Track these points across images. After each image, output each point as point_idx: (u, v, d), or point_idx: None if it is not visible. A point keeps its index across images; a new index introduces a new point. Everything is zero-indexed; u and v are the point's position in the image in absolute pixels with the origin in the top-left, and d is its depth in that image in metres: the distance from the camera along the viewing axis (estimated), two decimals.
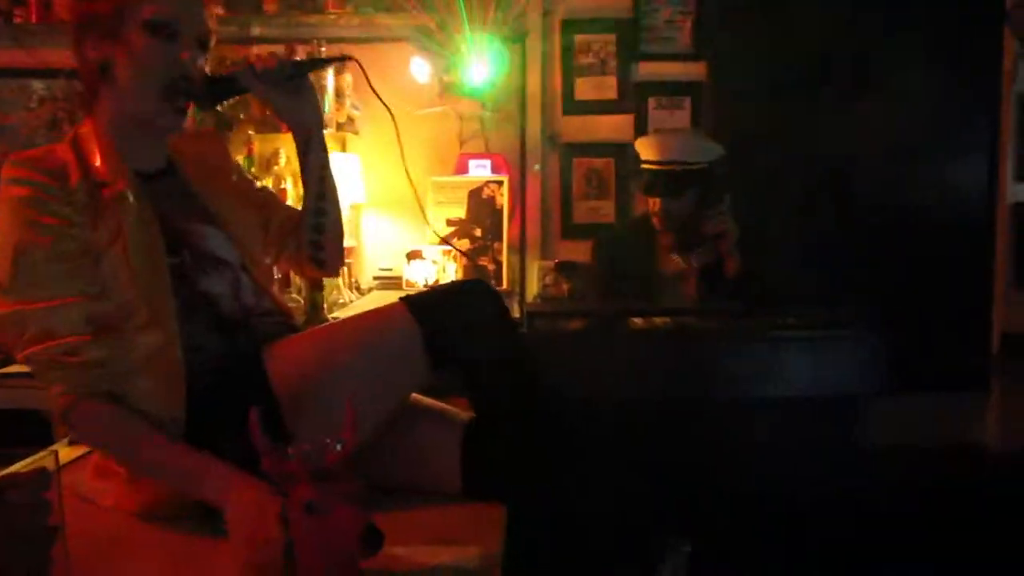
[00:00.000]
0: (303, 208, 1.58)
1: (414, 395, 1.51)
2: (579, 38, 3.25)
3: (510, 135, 3.28)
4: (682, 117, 3.25)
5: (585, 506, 1.43)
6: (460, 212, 3.18)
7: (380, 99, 1.52)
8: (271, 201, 1.66)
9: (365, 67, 1.54)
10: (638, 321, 2.14)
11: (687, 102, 3.25)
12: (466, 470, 1.41)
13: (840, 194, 3.33)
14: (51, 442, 1.95)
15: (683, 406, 2.03)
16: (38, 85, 3.23)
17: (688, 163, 2.45)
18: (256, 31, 3.23)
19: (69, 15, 1.42)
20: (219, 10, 3.12)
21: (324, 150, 1.53)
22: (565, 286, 3.15)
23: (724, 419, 2.05)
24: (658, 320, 2.13)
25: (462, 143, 3.28)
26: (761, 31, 3.23)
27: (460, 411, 1.50)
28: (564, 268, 3.18)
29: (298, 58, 1.41)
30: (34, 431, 2.57)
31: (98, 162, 1.36)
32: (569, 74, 3.27)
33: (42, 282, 1.27)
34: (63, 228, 1.29)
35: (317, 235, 1.57)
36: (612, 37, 3.24)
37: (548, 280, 3.22)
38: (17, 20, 3.17)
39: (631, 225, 2.91)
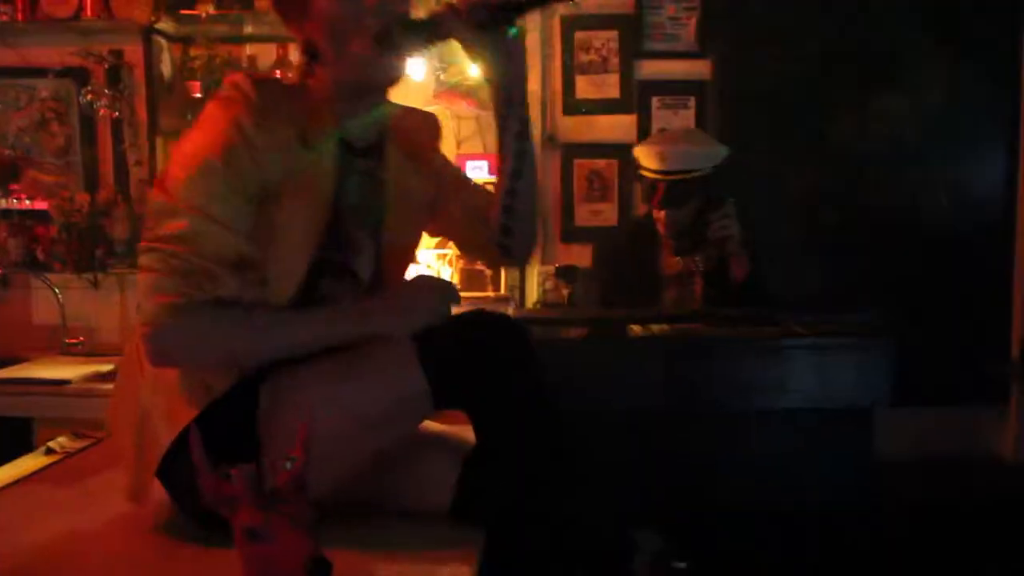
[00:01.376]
0: (496, 185, 1.42)
1: None
2: (579, 35, 3.15)
3: None
4: (687, 116, 3.14)
5: (576, 528, 1.34)
6: None
7: None
8: (464, 185, 1.54)
9: None
10: (636, 328, 2.02)
11: (692, 101, 3.14)
12: (458, 498, 1.32)
13: (851, 194, 3.21)
14: (30, 448, 1.86)
15: (683, 418, 1.92)
16: (26, 84, 3.16)
17: (691, 171, 2.35)
18: (248, 29, 3.15)
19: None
20: (210, 8, 3.05)
21: (524, 116, 1.36)
22: (565, 291, 3.05)
23: (726, 431, 1.94)
24: (656, 328, 2.02)
25: (459, 143, 3.19)
26: (768, 27, 3.12)
27: (462, 436, 1.39)
28: (564, 273, 3.08)
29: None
30: (14, 437, 2.51)
31: (310, 120, 1.27)
32: (569, 72, 3.17)
33: (214, 197, 1.19)
34: (255, 156, 1.21)
35: (507, 218, 1.40)
36: (614, 34, 3.14)
37: (548, 286, 3.12)
38: (3, 19, 3.11)
39: (632, 227, 2.80)
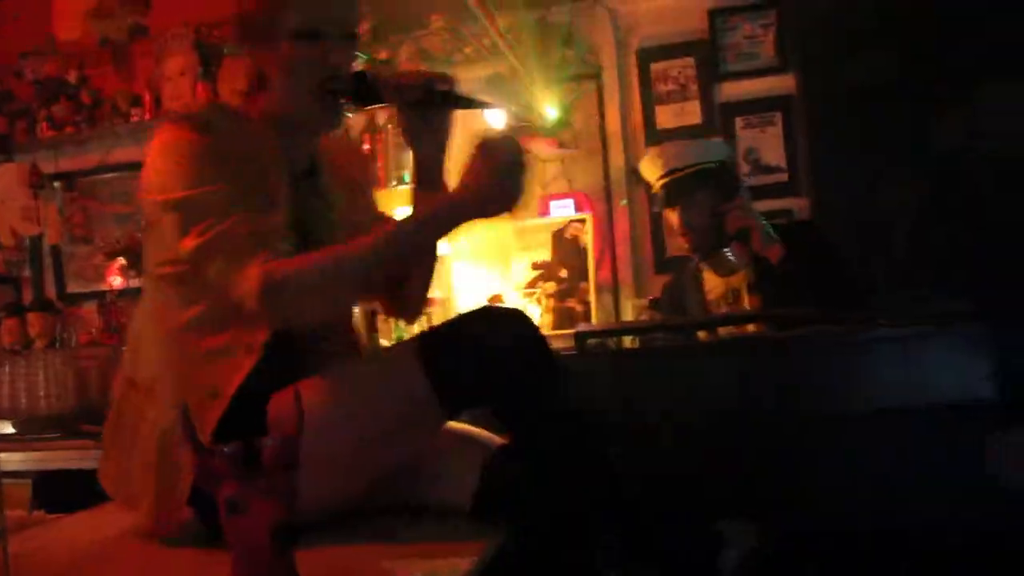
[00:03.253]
0: None
1: None
2: (656, 66, 3.14)
3: (594, 173, 3.20)
4: (774, 133, 3.04)
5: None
6: (545, 255, 3.09)
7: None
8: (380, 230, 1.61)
9: None
10: (702, 335, 1.94)
11: (778, 117, 3.04)
12: (479, 496, 1.30)
13: (964, 199, 2.96)
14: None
15: (756, 426, 1.79)
16: None
17: (689, 166, 2.31)
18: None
19: (231, 21, 1.44)
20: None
21: (437, 190, 1.44)
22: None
23: (806, 440, 1.79)
24: (723, 332, 1.92)
25: (545, 185, 3.22)
26: (851, 32, 2.98)
27: (487, 435, 1.39)
28: (658, 304, 3.00)
29: (445, 88, 1.38)
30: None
31: (257, 142, 1.35)
32: (649, 104, 3.15)
33: (211, 175, 1.25)
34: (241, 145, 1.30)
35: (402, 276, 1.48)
36: (690, 60, 3.11)
37: (644, 318, 3.05)
38: (134, 119, 3.48)
39: (677, 272, 2.68)
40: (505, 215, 1.25)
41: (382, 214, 1.59)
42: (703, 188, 2.29)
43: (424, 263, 1.49)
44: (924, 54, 2.96)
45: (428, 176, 1.44)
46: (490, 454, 1.33)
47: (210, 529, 1.23)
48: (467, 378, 1.23)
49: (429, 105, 1.37)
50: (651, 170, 2.39)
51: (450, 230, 1.27)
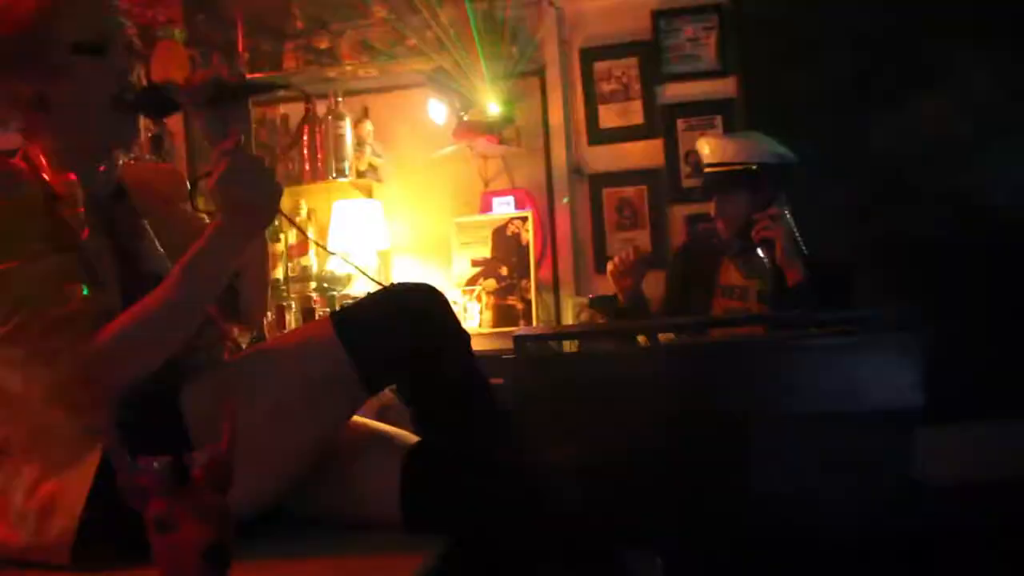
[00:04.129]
0: None
1: (359, 419, 1.39)
2: (599, 65, 3.15)
3: (536, 170, 3.19)
4: (716, 136, 3.07)
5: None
6: (486, 252, 3.08)
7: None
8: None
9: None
10: (641, 339, 1.95)
11: (718, 120, 3.08)
12: (406, 503, 1.27)
13: (903, 199, 3.04)
14: None
15: (689, 429, 1.81)
16: None
17: (732, 164, 2.36)
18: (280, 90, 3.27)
19: None
20: (242, 71, 3.19)
21: None
22: (600, 322, 2.98)
23: (736, 443, 1.82)
24: (661, 337, 1.94)
25: (487, 182, 3.21)
26: (791, 38, 3.03)
27: (403, 435, 1.37)
28: (598, 303, 3.01)
29: (235, 80, 1.35)
30: None
31: (49, 177, 1.28)
32: (592, 103, 3.16)
33: (13, 242, 1.19)
34: (21, 209, 1.23)
35: (234, 279, 1.42)
36: (634, 61, 3.13)
37: (583, 317, 3.06)
38: None
39: (701, 236, 2.74)
40: (269, 216, 1.24)
41: (201, 225, 1.52)
42: (737, 188, 2.34)
43: (250, 272, 1.43)
44: (862, 61, 3.04)
45: None
46: (406, 456, 1.29)
47: (129, 548, 1.13)
48: (383, 347, 1.23)
49: (223, 99, 1.31)
50: (704, 153, 2.45)
51: (232, 252, 1.24)
